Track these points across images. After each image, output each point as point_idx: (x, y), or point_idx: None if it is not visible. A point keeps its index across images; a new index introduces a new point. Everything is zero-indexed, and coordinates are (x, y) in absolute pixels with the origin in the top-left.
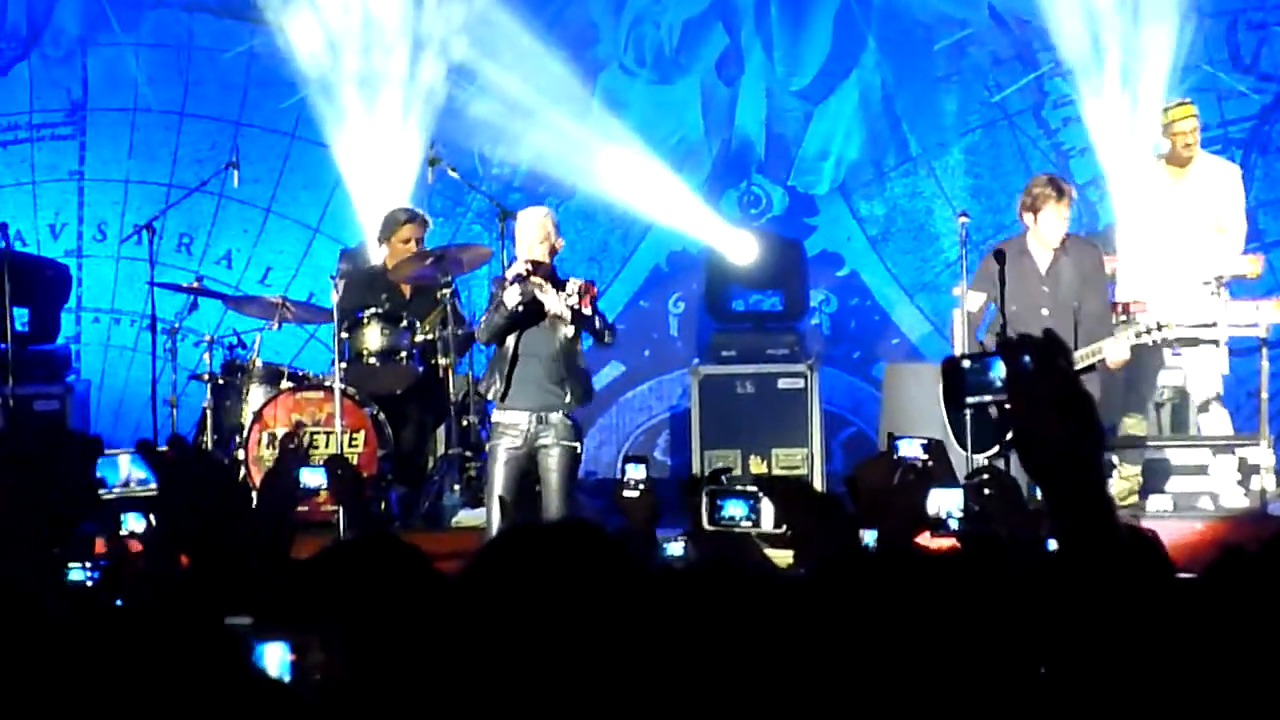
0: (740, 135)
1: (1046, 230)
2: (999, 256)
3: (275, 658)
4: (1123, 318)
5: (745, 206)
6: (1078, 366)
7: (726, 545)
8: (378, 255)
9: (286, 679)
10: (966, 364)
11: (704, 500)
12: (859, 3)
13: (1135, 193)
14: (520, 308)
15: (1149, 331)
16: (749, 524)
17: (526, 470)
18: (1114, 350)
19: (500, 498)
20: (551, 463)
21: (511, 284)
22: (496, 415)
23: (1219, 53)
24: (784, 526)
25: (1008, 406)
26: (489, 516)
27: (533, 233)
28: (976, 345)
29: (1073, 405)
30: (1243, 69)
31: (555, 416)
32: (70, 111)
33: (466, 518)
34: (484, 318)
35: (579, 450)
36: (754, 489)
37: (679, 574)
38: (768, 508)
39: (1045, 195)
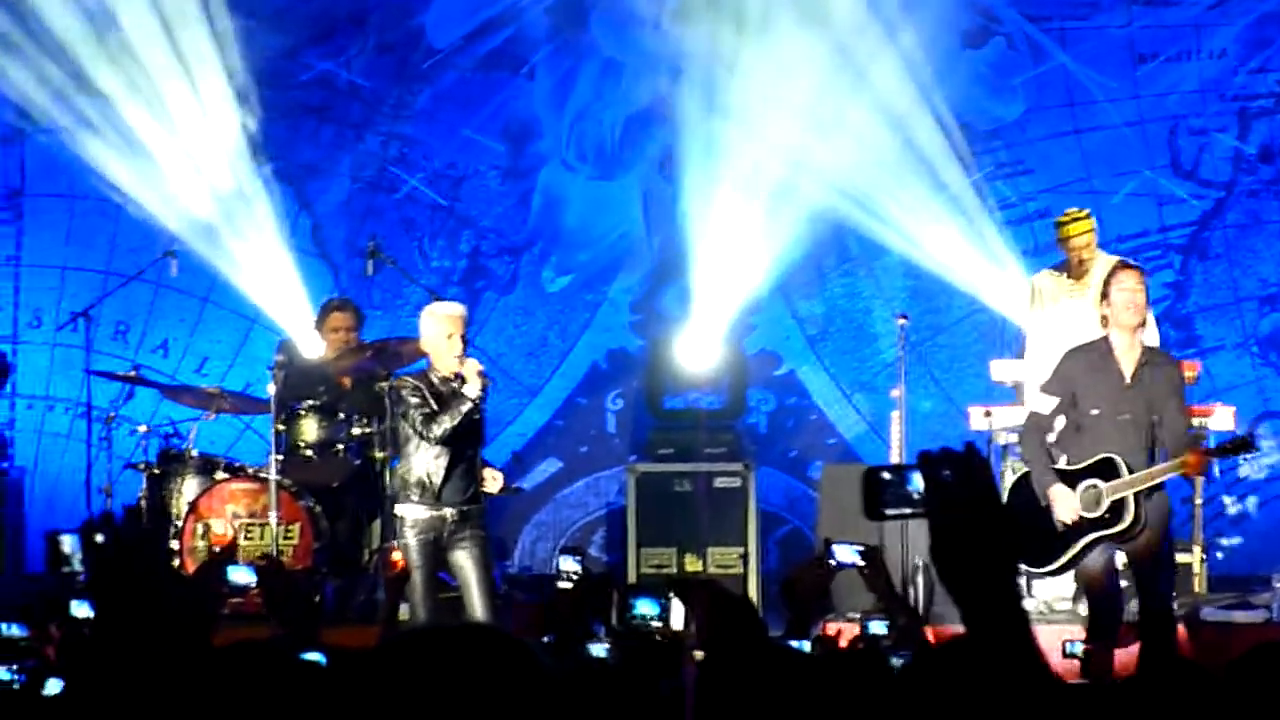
0: (680, 232)
1: (1122, 305)
2: (1077, 357)
3: None
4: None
5: (685, 304)
6: (1153, 481)
7: (646, 646)
8: (313, 345)
9: None
10: (886, 476)
11: (615, 598)
12: None
13: (1035, 307)
14: (480, 401)
15: (1228, 451)
16: (659, 623)
17: (441, 564)
18: (1192, 467)
19: (429, 591)
20: (476, 552)
21: (470, 381)
22: (422, 511)
23: (1160, 158)
24: (695, 627)
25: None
26: (417, 612)
27: (460, 327)
28: (1041, 450)
29: (990, 522)
30: (1183, 175)
31: (475, 508)
32: (7, 198)
33: (402, 611)
34: (432, 415)
35: (488, 536)
36: (666, 589)
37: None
38: (678, 608)
39: (1112, 269)
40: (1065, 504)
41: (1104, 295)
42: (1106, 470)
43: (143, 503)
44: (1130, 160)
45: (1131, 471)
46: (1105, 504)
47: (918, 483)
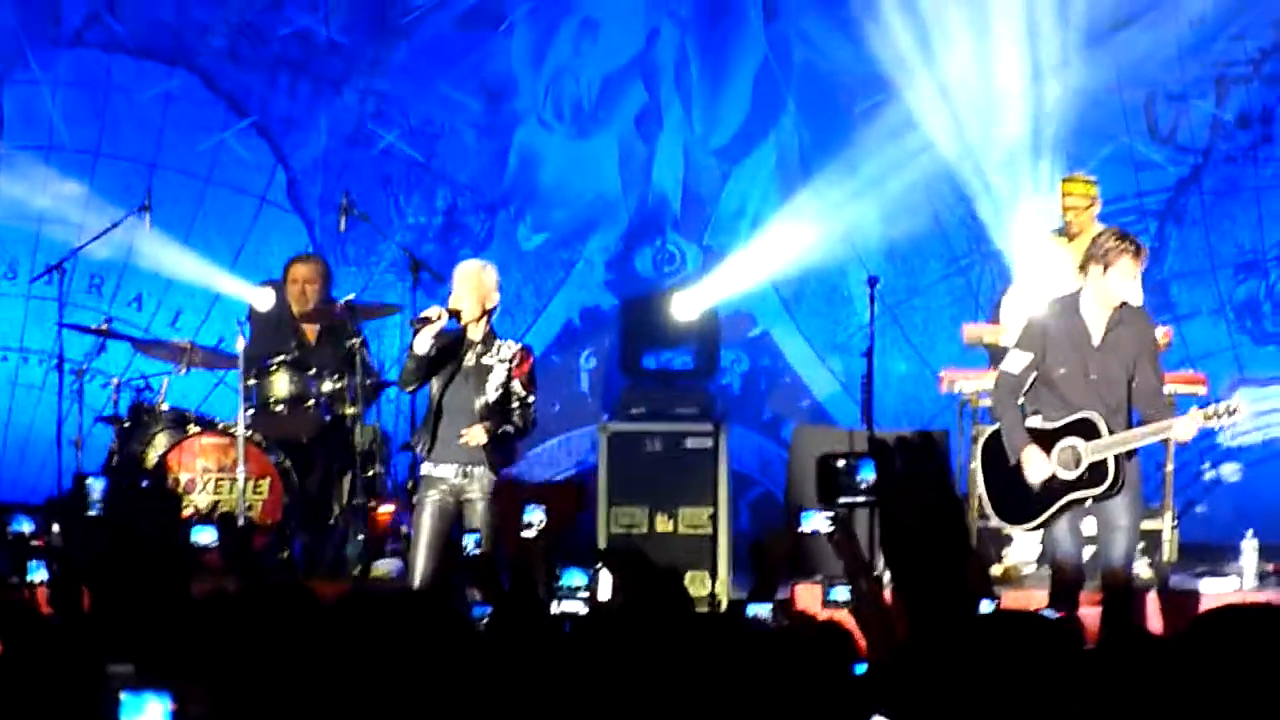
0: (657, 192)
1: (1116, 287)
2: (1047, 313)
3: (156, 710)
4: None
5: (660, 264)
6: (1139, 442)
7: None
8: (267, 299)
9: None
10: (840, 464)
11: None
12: (779, 63)
13: (1027, 266)
14: (432, 352)
15: (1219, 416)
16: (586, 593)
17: (452, 523)
18: (1183, 429)
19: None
20: (476, 519)
21: (417, 328)
22: (425, 469)
23: (1136, 124)
24: (621, 597)
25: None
26: (412, 567)
27: (461, 285)
28: (1012, 409)
29: (940, 510)
30: (1160, 141)
31: (479, 470)
32: None
33: (374, 567)
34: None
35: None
36: (594, 560)
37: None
38: (606, 578)
39: (1120, 249)
40: (1036, 466)
41: (1104, 264)
42: (1085, 430)
43: (113, 455)
44: (1107, 126)
45: (1111, 432)
46: (1085, 464)
47: (869, 471)
